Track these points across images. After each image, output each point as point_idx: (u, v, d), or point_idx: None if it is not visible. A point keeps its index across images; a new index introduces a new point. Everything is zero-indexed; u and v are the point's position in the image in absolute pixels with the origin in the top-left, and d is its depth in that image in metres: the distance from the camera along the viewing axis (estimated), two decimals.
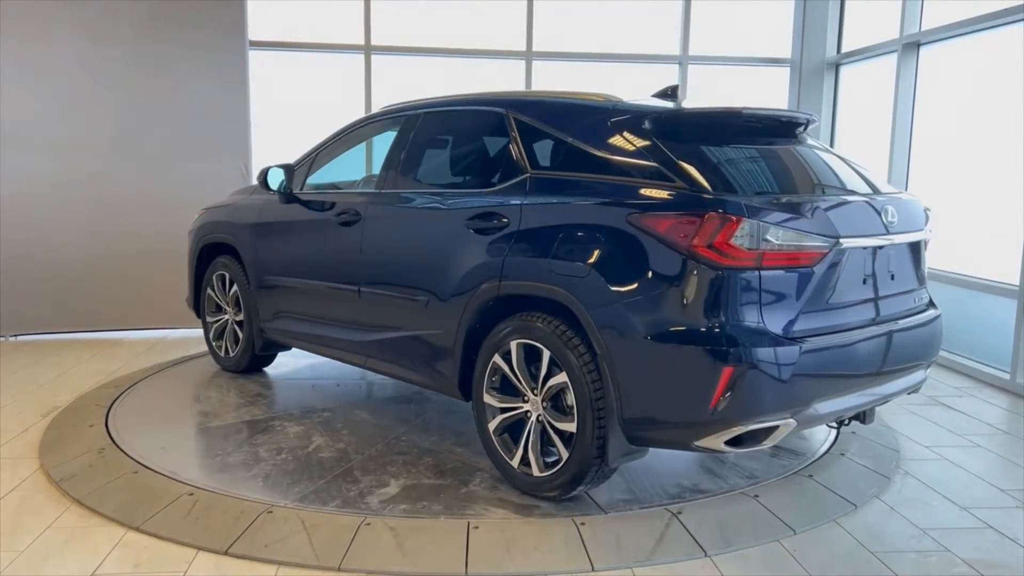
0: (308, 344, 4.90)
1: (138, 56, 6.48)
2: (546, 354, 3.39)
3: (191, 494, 3.48)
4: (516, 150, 3.76)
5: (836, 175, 3.74)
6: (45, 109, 6.38)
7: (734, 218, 2.98)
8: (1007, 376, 5.50)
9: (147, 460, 3.85)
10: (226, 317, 5.46)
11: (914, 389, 3.80)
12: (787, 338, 3.05)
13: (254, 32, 7.00)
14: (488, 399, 3.64)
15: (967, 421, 4.80)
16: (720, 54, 8.08)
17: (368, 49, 7.59)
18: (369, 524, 3.22)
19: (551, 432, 3.41)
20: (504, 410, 3.60)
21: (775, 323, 3.05)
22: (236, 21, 6.57)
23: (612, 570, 3.00)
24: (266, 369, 5.58)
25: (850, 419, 3.67)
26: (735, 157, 3.57)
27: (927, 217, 3.84)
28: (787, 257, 3.08)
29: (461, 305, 3.74)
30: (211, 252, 5.52)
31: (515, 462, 3.55)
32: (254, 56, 6.96)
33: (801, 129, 3.82)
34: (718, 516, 3.39)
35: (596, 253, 3.25)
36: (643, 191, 3.23)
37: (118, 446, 4.03)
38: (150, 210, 6.57)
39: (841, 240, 3.19)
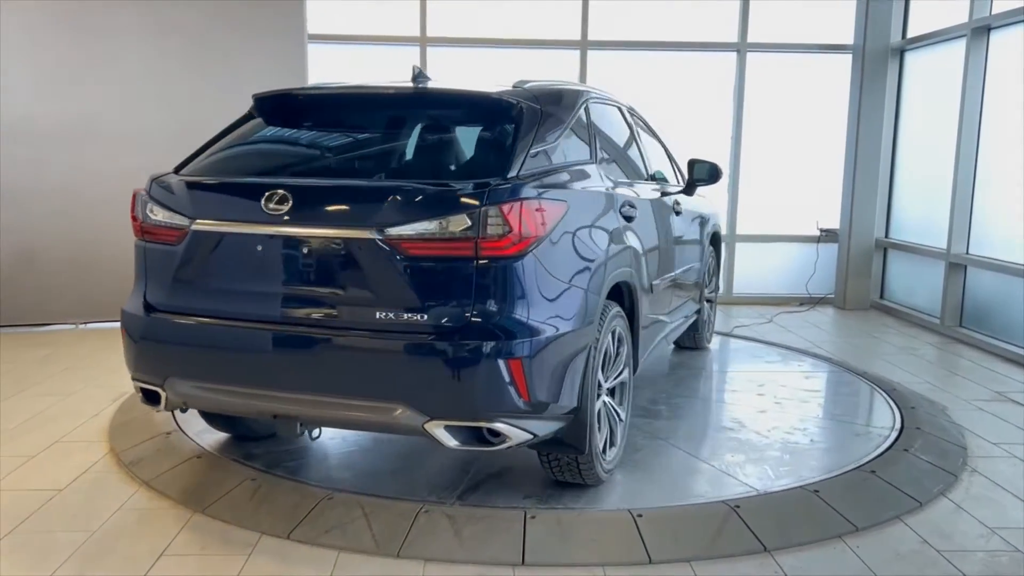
0: None
1: (199, 49, 6.63)
2: None
3: (254, 479, 3.56)
4: None
5: (403, 161, 3.58)
6: (108, 102, 6.56)
7: (141, 191, 3.45)
8: None
9: (211, 444, 3.96)
10: None
11: (402, 430, 3.09)
12: (147, 305, 3.33)
13: (313, 26, 7.10)
14: None
15: None
16: (779, 41, 7.93)
17: (424, 41, 7.64)
18: (427, 512, 3.25)
19: None
20: None
21: (149, 291, 3.36)
22: (296, 14, 6.67)
23: (670, 563, 2.98)
24: None
25: (301, 427, 3.32)
26: (279, 137, 3.75)
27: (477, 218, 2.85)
28: (153, 231, 3.35)
29: None
30: None
31: None
32: (313, 49, 7.06)
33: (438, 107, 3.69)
34: (777, 511, 3.35)
35: None
36: None
37: (183, 431, 4.15)
38: None
39: (196, 221, 3.20)
